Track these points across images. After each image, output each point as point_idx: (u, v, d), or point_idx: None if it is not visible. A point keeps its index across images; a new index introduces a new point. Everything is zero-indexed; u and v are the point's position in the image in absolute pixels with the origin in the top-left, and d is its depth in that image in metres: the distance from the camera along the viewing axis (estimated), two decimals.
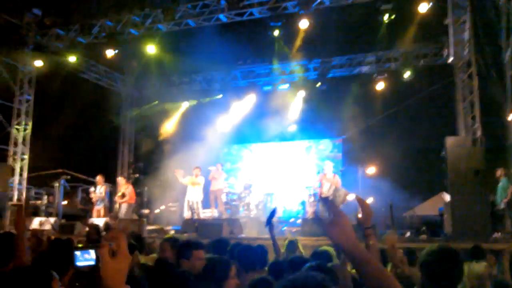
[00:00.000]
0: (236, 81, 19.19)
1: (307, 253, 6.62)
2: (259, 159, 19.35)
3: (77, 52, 16.44)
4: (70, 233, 12.32)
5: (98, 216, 14.54)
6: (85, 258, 1.58)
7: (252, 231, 13.10)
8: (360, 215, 2.37)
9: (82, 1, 15.95)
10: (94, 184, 15.37)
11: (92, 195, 14.94)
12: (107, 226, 13.26)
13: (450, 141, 11.82)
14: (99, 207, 14.81)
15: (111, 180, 16.73)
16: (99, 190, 14.87)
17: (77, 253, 1.59)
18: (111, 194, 15.69)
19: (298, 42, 16.19)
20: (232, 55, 17.35)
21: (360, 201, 2.15)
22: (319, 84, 17.61)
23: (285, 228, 14.33)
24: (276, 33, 14.84)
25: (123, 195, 14.72)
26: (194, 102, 19.56)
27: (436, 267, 2.78)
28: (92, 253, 1.58)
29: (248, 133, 19.10)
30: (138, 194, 17.44)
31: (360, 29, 15.70)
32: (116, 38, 15.29)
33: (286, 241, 7.11)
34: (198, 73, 19.18)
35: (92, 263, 1.57)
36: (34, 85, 16.36)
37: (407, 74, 16.10)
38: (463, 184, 11.15)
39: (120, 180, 15.43)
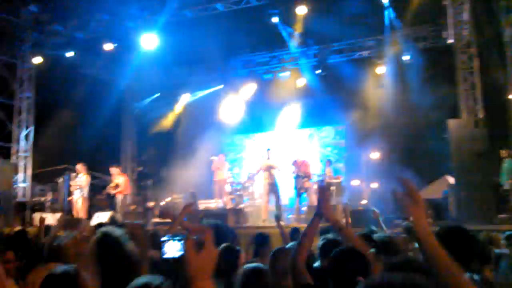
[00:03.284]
0: (236, 71, 19.11)
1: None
2: (262, 148, 19.33)
3: (76, 47, 16.40)
4: (75, 228, 12.35)
5: (76, 208, 14.12)
6: (172, 251, 1.64)
7: (257, 220, 13.16)
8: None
9: None
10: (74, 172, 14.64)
11: (71, 183, 14.33)
12: (112, 220, 13.31)
13: (452, 123, 11.81)
14: (76, 197, 14.19)
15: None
16: (79, 179, 14.20)
17: (165, 244, 1.66)
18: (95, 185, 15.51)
19: (297, 28, 16.13)
20: (231, 44, 17.29)
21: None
22: (319, 71, 17.55)
23: (290, 215, 14.37)
24: (274, 20, 14.77)
25: (116, 186, 14.31)
26: (194, 93, 19.52)
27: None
28: (178, 246, 1.64)
29: (250, 122, 19.10)
30: (143, 187, 17.49)
31: (359, 13, 15.59)
32: (113, 31, 15.26)
33: (290, 229, 7.19)
34: (198, 64, 19.07)
35: (178, 255, 1.64)
36: (34, 82, 16.33)
37: (406, 58, 16.07)
38: (467, 166, 11.15)
39: (113, 170, 14.67)
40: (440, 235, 2.91)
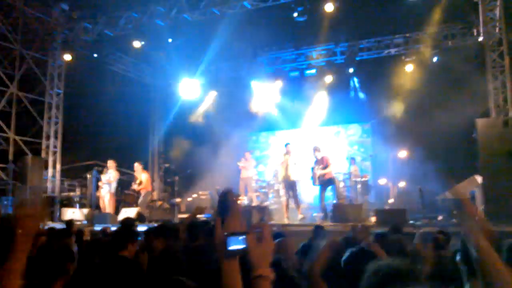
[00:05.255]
0: (262, 68, 19.05)
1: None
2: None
3: (105, 44, 16.64)
4: (103, 223, 12.52)
5: (103, 203, 14.40)
6: (236, 243, 1.81)
7: (282, 218, 13.13)
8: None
9: None
10: (102, 167, 15.10)
11: (101, 178, 14.64)
12: (139, 216, 13.48)
13: (481, 122, 11.62)
14: (104, 193, 14.46)
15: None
16: (108, 175, 14.51)
17: (229, 238, 1.82)
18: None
19: (324, 26, 16.02)
20: (257, 41, 17.29)
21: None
22: (351, 70, 17.38)
23: (315, 214, 14.31)
24: (301, 17, 14.70)
25: (140, 182, 14.57)
26: (221, 91, 19.54)
27: None
28: (241, 239, 1.81)
29: (276, 120, 19.08)
30: (169, 184, 17.64)
31: (388, 10, 15.41)
32: (142, 29, 15.42)
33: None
34: (224, 62, 19.09)
35: (242, 247, 1.81)
36: (63, 78, 16.60)
37: (435, 56, 15.85)
38: (495, 165, 10.96)
39: (137, 166, 14.88)
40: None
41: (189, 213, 15.10)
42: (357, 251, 2.95)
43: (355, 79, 18.29)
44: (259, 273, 1.78)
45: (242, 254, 1.81)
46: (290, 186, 13.03)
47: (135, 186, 14.71)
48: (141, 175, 14.71)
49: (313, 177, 12.80)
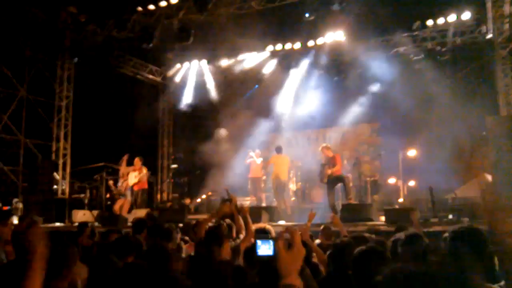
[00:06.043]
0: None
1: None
2: (297, 146, 19.21)
3: (113, 47, 16.70)
4: (113, 225, 12.51)
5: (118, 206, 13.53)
6: (265, 248, 1.79)
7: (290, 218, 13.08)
8: None
9: None
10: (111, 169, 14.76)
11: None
12: (150, 216, 13.43)
13: (490, 120, 11.53)
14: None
15: (151, 172, 16.87)
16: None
17: (258, 243, 1.81)
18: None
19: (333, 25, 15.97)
20: (266, 38, 17.22)
21: None
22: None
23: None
24: (310, 17, 14.66)
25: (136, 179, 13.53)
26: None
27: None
28: (271, 244, 1.79)
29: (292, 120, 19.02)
30: (179, 185, 17.67)
31: (395, 9, 15.32)
32: (150, 31, 15.45)
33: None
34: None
35: (271, 253, 1.78)
36: (72, 81, 16.70)
37: (444, 54, 15.76)
38: (505, 163, 10.87)
39: (136, 161, 13.80)
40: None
41: (198, 213, 15.14)
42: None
43: None
44: (287, 282, 1.68)
45: (270, 260, 1.77)
46: (280, 187, 13.30)
47: (130, 181, 13.64)
48: (142, 171, 13.67)
49: (321, 175, 12.75)
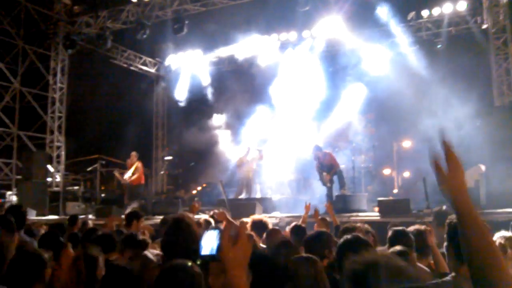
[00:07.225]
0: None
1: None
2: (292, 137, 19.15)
3: (107, 38, 16.59)
4: (107, 217, 12.46)
5: None
6: (208, 247, 1.75)
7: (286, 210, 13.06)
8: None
9: None
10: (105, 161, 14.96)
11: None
12: (142, 208, 13.40)
13: (485, 110, 11.50)
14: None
15: (146, 163, 16.82)
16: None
17: (202, 243, 1.77)
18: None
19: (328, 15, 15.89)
20: (260, 28, 17.15)
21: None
22: None
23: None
24: (305, 7, 14.58)
25: (132, 174, 13.62)
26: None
27: None
28: (214, 243, 1.75)
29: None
30: (174, 177, 17.63)
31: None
32: (144, 22, 15.34)
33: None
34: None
35: (214, 252, 1.74)
36: (66, 73, 16.62)
37: (438, 44, 15.68)
38: (499, 154, 10.84)
39: (133, 156, 13.78)
40: None
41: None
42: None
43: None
44: (233, 275, 1.70)
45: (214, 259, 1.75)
46: (247, 183, 13.78)
47: (127, 178, 13.74)
48: (138, 165, 13.71)
49: (322, 180, 12.93)
